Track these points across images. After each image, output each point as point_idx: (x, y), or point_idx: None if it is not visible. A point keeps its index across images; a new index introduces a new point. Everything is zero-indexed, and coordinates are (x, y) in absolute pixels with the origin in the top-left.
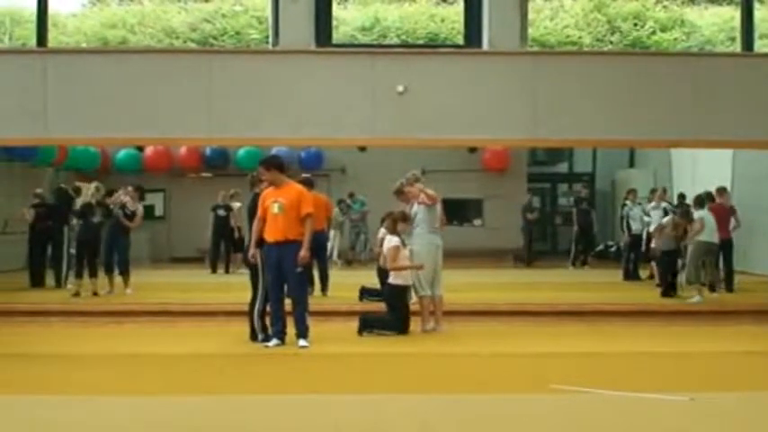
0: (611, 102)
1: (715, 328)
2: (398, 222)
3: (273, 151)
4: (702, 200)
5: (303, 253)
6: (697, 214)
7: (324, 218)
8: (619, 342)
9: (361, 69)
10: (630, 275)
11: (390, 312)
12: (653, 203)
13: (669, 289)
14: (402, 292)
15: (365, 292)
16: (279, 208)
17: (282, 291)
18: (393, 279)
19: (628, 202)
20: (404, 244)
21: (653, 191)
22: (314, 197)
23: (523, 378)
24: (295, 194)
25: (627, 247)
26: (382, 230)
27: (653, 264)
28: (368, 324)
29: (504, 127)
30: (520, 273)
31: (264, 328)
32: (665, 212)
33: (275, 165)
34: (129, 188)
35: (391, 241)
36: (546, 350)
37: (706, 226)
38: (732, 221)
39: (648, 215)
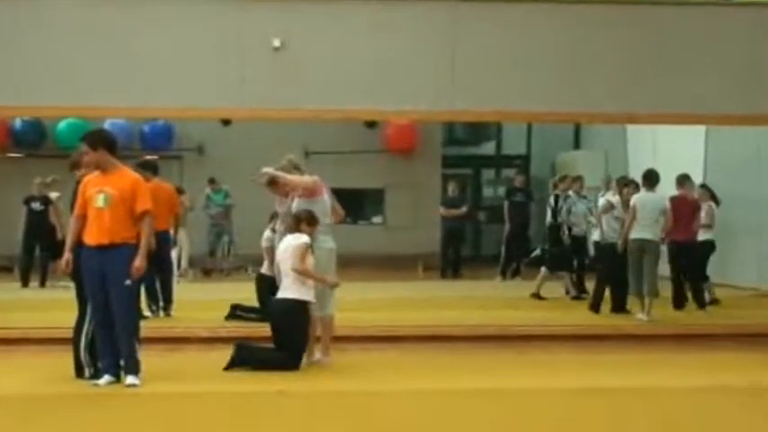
0: (550, 63)
1: (682, 356)
2: (302, 224)
3: (106, 125)
4: (654, 178)
5: (138, 262)
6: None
7: (168, 214)
8: (559, 376)
9: (224, 17)
10: (574, 288)
11: (283, 339)
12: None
13: (620, 304)
14: (305, 310)
15: (239, 310)
16: (104, 201)
17: (109, 311)
18: (294, 291)
19: (571, 192)
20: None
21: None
22: (155, 187)
23: (437, 424)
24: (127, 184)
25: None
26: (268, 233)
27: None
28: (248, 358)
29: (411, 95)
30: (432, 286)
31: (94, 361)
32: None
33: (103, 142)
34: None
35: (300, 238)
36: (465, 386)
37: (637, 215)
38: (701, 218)
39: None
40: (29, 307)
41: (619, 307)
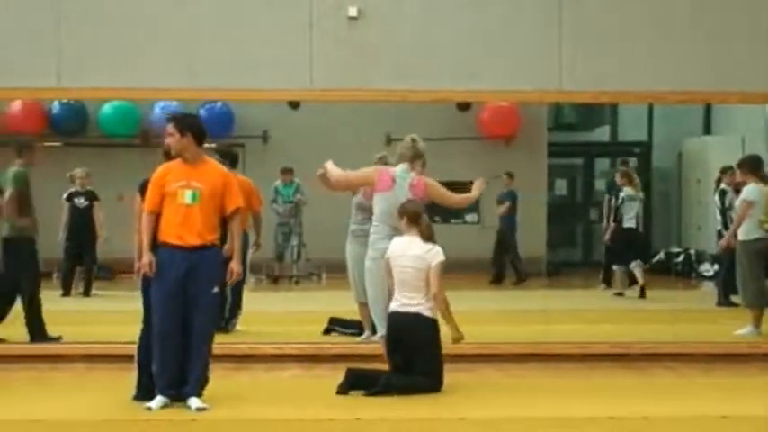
0: (675, 34)
1: None
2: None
3: (157, 108)
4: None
5: (236, 266)
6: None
7: (246, 212)
8: (689, 401)
9: None
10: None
11: (416, 359)
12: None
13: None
14: (438, 329)
15: (336, 324)
16: (194, 197)
17: (180, 322)
18: (425, 308)
19: (724, 185)
20: None
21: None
22: (238, 182)
23: None
24: (218, 178)
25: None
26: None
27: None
28: (365, 383)
29: (511, 72)
30: (534, 296)
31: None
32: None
33: (193, 129)
34: None
35: (438, 255)
36: (577, 414)
37: (754, 210)
38: None
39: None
40: (70, 320)
41: None
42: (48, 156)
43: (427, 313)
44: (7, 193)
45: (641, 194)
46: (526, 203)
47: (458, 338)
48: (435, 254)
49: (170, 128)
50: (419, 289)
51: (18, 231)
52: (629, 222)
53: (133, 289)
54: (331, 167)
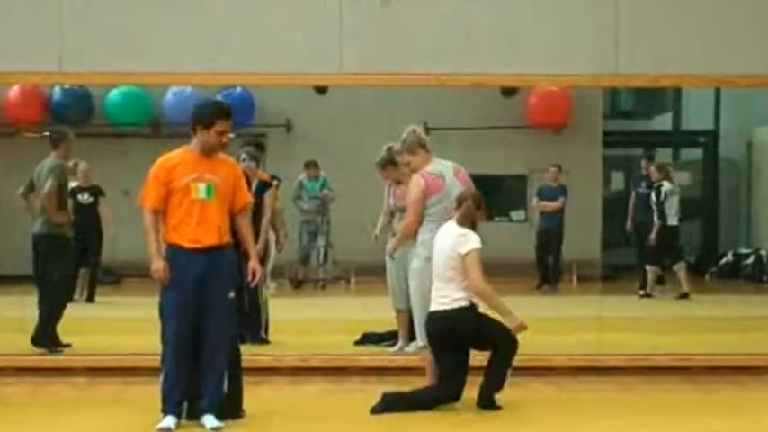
0: (744, 12)
1: None
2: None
3: (169, 94)
4: None
5: (256, 264)
6: None
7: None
8: (754, 418)
9: None
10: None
11: (482, 345)
12: None
13: None
14: (474, 311)
15: (369, 340)
16: (208, 191)
17: (196, 332)
18: (451, 300)
19: None
20: None
21: None
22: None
23: None
24: (230, 171)
25: None
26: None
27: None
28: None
29: (561, 54)
30: (588, 302)
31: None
32: None
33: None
34: None
35: (468, 242)
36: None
37: None
38: None
39: None
40: (73, 329)
41: None
42: (48, 147)
43: (457, 304)
44: (47, 187)
45: (678, 188)
46: (579, 199)
47: (520, 328)
48: (465, 240)
49: (228, 124)
50: (448, 280)
51: (53, 228)
52: (673, 220)
53: (140, 294)
54: (400, 238)
